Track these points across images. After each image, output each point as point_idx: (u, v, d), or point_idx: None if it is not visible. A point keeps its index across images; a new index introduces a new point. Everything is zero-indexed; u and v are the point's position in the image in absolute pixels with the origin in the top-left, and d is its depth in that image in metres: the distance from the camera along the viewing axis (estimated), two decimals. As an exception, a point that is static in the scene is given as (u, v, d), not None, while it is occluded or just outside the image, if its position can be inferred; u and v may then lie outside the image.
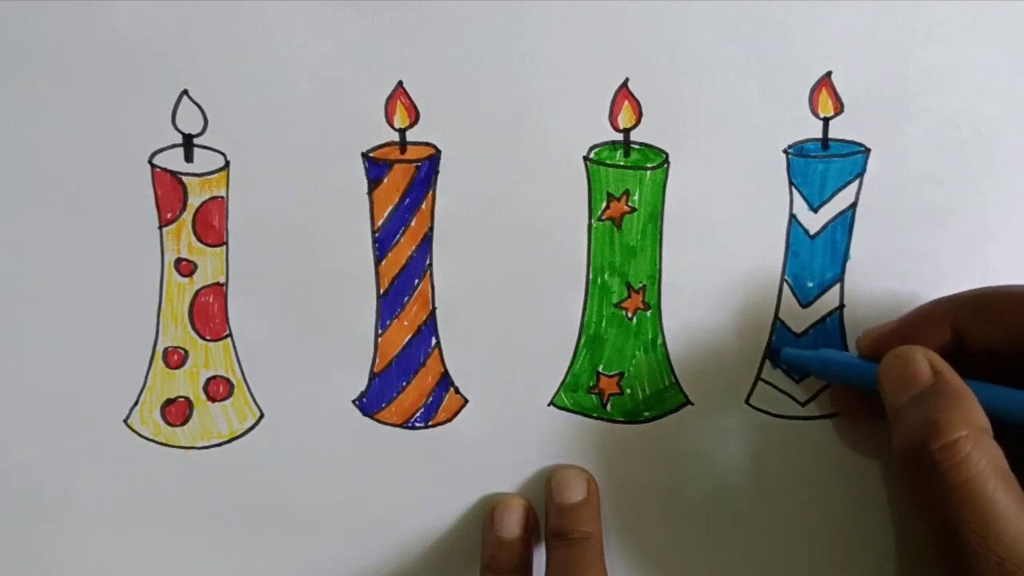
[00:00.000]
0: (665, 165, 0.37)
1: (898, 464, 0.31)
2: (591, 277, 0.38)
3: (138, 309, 0.37)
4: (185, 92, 0.36)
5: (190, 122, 0.37)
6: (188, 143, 0.37)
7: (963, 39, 0.36)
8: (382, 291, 0.37)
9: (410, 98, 0.37)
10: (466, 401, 0.38)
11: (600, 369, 0.38)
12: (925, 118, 0.37)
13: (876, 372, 0.33)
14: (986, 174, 0.37)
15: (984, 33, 0.36)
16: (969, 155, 0.37)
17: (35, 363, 0.37)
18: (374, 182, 0.37)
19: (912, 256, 0.37)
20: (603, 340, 0.38)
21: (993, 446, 0.30)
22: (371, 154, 0.37)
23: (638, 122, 0.37)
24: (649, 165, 0.37)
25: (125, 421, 0.38)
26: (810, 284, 0.38)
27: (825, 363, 0.36)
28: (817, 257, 0.37)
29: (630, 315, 0.38)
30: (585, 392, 0.38)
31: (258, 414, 0.38)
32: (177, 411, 0.38)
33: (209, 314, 0.37)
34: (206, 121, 0.37)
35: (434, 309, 0.38)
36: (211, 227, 0.37)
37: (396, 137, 0.37)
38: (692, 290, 0.38)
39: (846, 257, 0.37)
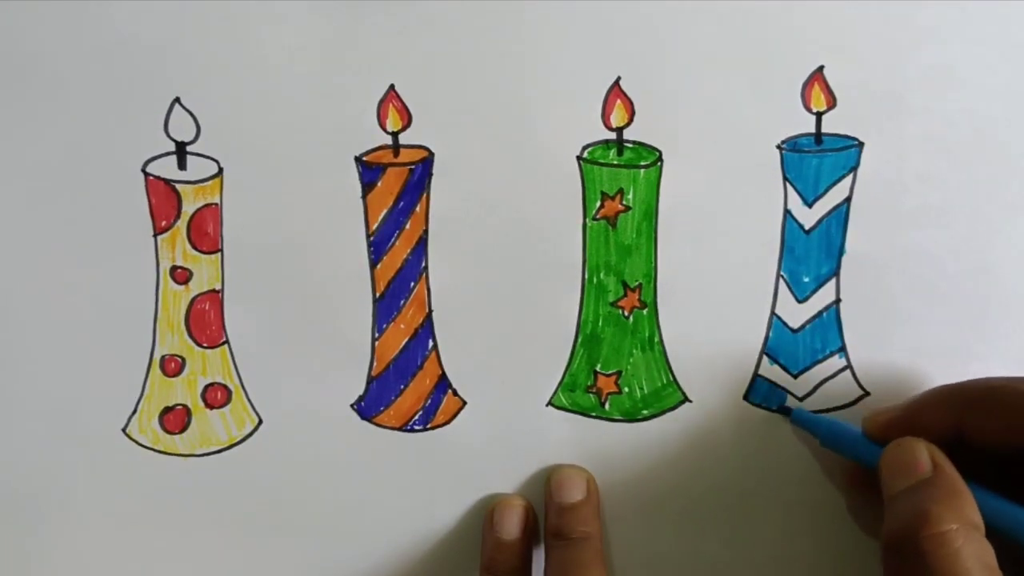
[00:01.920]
0: (659, 163, 0.37)
1: (885, 550, 0.30)
2: (587, 276, 0.37)
3: (134, 318, 0.37)
4: (177, 100, 0.36)
5: (183, 130, 0.37)
6: (181, 151, 0.37)
7: (963, 39, 0.36)
8: (378, 295, 0.37)
9: (402, 101, 0.37)
10: (464, 403, 0.38)
11: (598, 368, 0.38)
12: (924, 117, 0.37)
13: (878, 454, 0.33)
14: (986, 174, 0.37)
15: (984, 33, 0.36)
16: (969, 155, 0.37)
17: (32, 374, 0.37)
18: (368, 186, 0.37)
19: (909, 252, 0.37)
20: (600, 339, 0.38)
21: (984, 544, 0.29)
22: (364, 158, 0.37)
23: (631, 121, 0.37)
24: (643, 163, 0.37)
25: (123, 430, 0.38)
26: (806, 279, 0.38)
27: (831, 432, 0.36)
28: (812, 252, 0.37)
29: (626, 314, 0.38)
30: (583, 392, 0.38)
31: (256, 420, 0.38)
32: (175, 419, 0.38)
33: (205, 321, 0.37)
34: (199, 128, 0.36)
35: (430, 311, 0.38)
36: (205, 234, 0.37)
37: (389, 141, 0.37)
38: (688, 287, 0.37)
39: (841, 251, 0.37)
